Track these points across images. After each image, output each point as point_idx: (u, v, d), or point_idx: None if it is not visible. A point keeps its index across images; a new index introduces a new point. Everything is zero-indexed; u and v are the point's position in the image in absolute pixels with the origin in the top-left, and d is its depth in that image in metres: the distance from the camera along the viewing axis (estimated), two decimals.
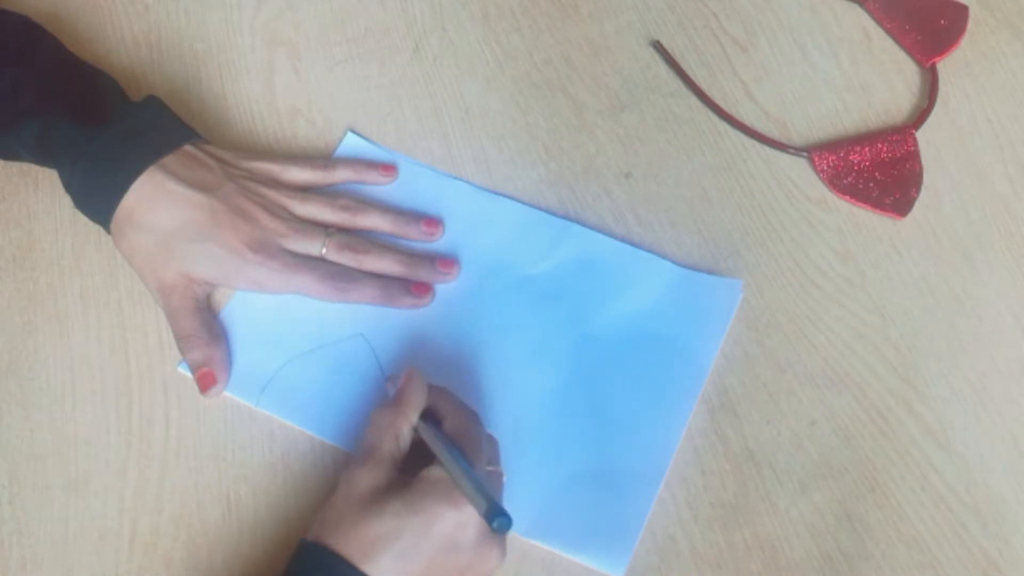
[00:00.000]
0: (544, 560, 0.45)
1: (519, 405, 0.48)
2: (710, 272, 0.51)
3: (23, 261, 0.51)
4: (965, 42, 0.59)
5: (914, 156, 0.55)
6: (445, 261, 0.51)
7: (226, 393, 0.48)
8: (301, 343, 0.49)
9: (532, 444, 0.47)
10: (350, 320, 0.50)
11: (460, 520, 0.38)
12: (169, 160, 0.48)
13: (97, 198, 0.48)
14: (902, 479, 0.46)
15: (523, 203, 0.53)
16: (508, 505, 0.40)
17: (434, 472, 0.39)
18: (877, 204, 0.53)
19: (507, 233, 0.53)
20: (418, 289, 0.50)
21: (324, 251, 0.49)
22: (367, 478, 0.39)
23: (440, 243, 0.52)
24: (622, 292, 0.51)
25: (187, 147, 0.50)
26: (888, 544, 0.45)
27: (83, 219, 0.50)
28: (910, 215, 0.53)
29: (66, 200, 0.50)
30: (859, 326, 0.50)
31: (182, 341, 0.47)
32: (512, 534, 0.44)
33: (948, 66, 0.58)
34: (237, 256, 0.47)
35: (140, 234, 0.48)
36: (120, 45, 0.58)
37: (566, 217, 0.53)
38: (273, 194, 0.50)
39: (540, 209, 0.53)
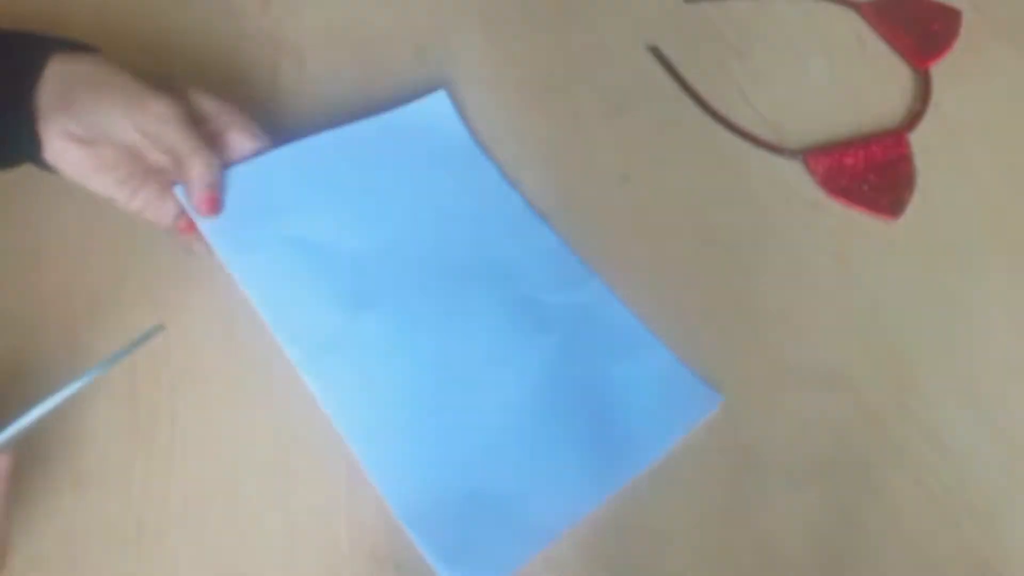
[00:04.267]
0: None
1: (461, 400, 0.47)
2: (697, 375, 0.49)
3: (30, 261, 0.51)
4: (958, 46, 0.60)
5: (907, 158, 0.56)
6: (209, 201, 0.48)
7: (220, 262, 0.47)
8: (301, 227, 0.49)
9: (455, 440, 0.46)
10: (359, 235, 0.50)
11: None
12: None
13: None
14: (896, 478, 0.47)
15: (561, 240, 0.53)
16: (404, 474, 0.43)
17: None
18: (871, 206, 0.54)
19: (533, 258, 0.52)
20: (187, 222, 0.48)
21: None
22: None
23: (465, 239, 0.52)
24: (610, 356, 0.50)
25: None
26: (882, 542, 0.45)
27: (90, 220, 0.50)
28: (904, 217, 0.54)
29: (73, 201, 0.51)
30: (854, 326, 0.51)
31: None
32: (386, 504, 0.44)
33: (941, 70, 0.59)
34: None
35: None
36: (122, 49, 0.59)
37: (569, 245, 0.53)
38: None
39: (574, 253, 0.52)
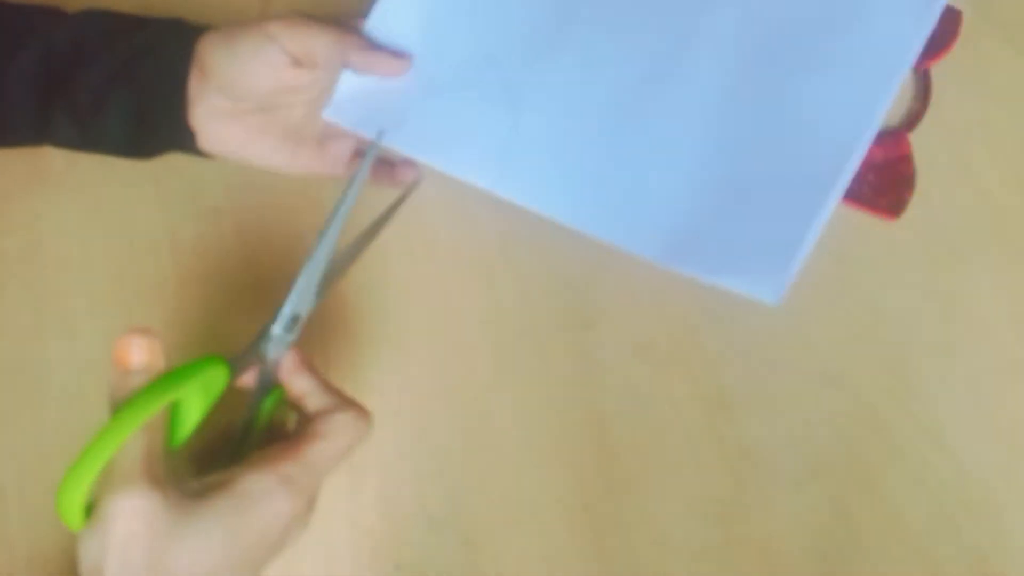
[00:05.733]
0: (690, 283, 0.41)
1: (655, 124, 0.41)
2: None
3: (31, 262, 0.51)
4: (958, 46, 0.60)
5: (907, 159, 0.56)
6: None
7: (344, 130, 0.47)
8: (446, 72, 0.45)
9: (672, 144, 0.41)
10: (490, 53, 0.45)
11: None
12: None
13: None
14: (896, 477, 0.47)
15: None
16: (637, 221, 0.38)
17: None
18: (871, 205, 0.54)
19: None
20: None
21: None
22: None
23: None
24: None
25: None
26: (882, 541, 0.46)
27: (91, 219, 0.50)
28: (903, 216, 0.54)
29: (73, 201, 0.51)
30: (853, 325, 0.51)
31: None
32: (646, 261, 0.41)
33: (941, 70, 0.59)
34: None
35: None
36: None
37: None
38: None
39: None
